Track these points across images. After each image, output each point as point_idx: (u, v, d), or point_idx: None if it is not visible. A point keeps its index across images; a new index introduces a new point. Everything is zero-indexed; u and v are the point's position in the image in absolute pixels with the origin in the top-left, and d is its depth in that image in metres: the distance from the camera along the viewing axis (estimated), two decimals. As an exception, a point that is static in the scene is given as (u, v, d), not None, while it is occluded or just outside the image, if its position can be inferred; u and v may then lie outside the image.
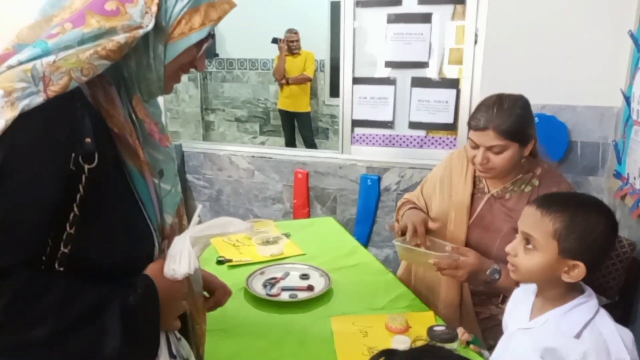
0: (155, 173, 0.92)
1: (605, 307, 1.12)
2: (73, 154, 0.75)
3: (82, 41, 0.75)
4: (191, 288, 1.02)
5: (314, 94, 5.66)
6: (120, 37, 0.78)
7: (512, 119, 1.44)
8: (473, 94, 2.64)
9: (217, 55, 5.98)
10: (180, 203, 1.05)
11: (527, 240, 1.10)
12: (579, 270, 1.04)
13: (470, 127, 1.52)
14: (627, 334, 1.05)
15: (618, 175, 2.14)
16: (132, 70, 0.86)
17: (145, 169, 0.88)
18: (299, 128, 5.51)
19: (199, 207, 0.99)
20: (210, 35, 0.91)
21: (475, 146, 1.50)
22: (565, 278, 1.06)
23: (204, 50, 0.94)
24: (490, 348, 1.48)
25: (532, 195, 1.54)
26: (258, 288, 1.57)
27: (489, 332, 1.60)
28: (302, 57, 5.18)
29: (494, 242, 1.57)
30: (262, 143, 6.07)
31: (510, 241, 1.54)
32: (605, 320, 1.06)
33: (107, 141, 0.82)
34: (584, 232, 1.04)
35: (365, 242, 2.91)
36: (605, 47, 2.30)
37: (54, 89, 0.72)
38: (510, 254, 1.13)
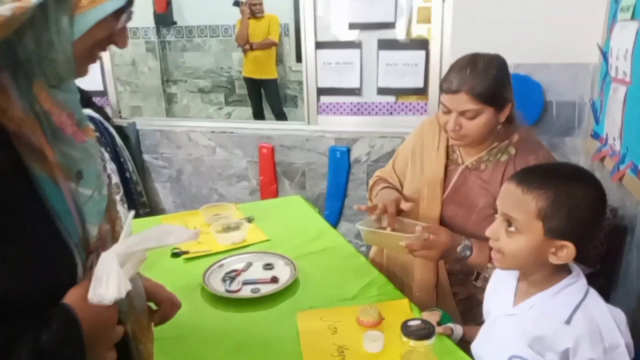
0: (71, 176, 0.75)
1: (587, 276, 1.04)
2: None
3: None
4: (132, 305, 0.88)
5: (279, 60, 5.43)
6: (5, 8, 0.60)
7: (487, 80, 1.32)
8: (443, 55, 2.49)
9: (175, 23, 5.67)
10: (112, 206, 0.89)
11: (509, 222, 0.98)
12: (568, 251, 0.94)
13: (442, 89, 1.39)
14: (619, 315, 0.97)
15: (596, 135, 2.04)
16: (30, 50, 0.68)
17: (57, 173, 0.71)
18: (266, 96, 5.30)
19: (130, 214, 0.83)
20: (131, 3, 0.74)
21: (448, 111, 1.38)
22: (554, 260, 0.96)
23: (125, 22, 0.77)
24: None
25: (508, 165, 1.43)
26: (216, 284, 1.43)
27: (468, 313, 1.50)
28: (266, 21, 4.94)
29: (470, 217, 1.46)
30: (229, 114, 5.85)
31: (487, 216, 1.44)
32: (596, 301, 0.97)
33: (1, 142, 0.65)
34: (570, 209, 0.93)
35: (337, 216, 2.79)
36: (580, 0, 2.16)
37: None
38: (492, 237, 1.01)
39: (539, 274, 1.01)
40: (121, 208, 2.70)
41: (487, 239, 1.06)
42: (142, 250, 0.76)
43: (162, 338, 1.17)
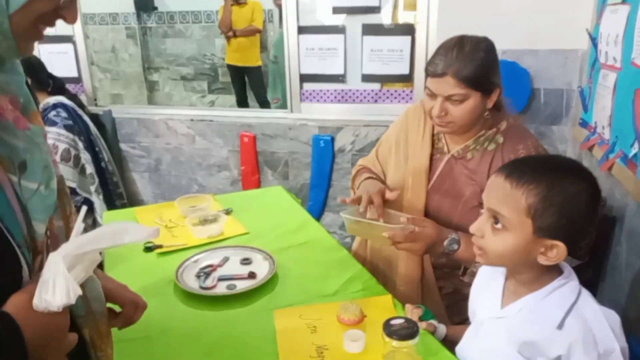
0: (12, 167, 0.68)
1: (576, 268, 0.98)
2: None
3: None
4: (89, 309, 0.80)
5: (263, 47, 5.31)
6: None
7: (473, 63, 1.26)
8: (429, 40, 2.42)
9: (156, 8, 5.51)
10: (65, 200, 0.81)
11: (495, 218, 0.92)
12: (558, 251, 0.88)
13: (428, 73, 1.33)
14: (613, 317, 0.91)
15: (584, 124, 1.99)
16: None
17: None
18: (250, 84, 5.20)
19: (83, 210, 0.75)
20: None
21: (433, 95, 1.32)
22: (543, 261, 0.89)
23: None
24: (457, 325, 1.33)
25: (496, 154, 1.37)
26: (190, 280, 1.35)
27: (454, 307, 1.45)
28: (249, 7, 4.84)
29: (456, 208, 1.40)
30: (212, 102, 5.74)
31: (474, 207, 1.38)
32: (589, 303, 0.91)
33: None
34: (562, 206, 0.86)
35: (322, 207, 2.72)
36: (569, -16, 2.10)
37: None
38: (476, 234, 0.95)
39: (527, 274, 0.94)
40: (97, 199, 2.60)
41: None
42: (94, 250, 0.69)
43: (129, 339, 1.10)
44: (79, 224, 0.72)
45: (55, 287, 0.64)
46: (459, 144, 1.42)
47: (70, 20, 0.70)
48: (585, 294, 0.92)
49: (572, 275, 0.94)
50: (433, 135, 1.47)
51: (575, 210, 0.87)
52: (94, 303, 0.82)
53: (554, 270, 0.94)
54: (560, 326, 0.87)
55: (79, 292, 0.65)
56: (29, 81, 2.51)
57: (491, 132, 1.38)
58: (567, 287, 0.92)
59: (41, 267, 0.68)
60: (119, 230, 0.70)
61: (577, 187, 0.88)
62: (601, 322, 0.88)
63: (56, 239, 0.75)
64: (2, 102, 0.68)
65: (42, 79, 2.50)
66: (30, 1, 0.63)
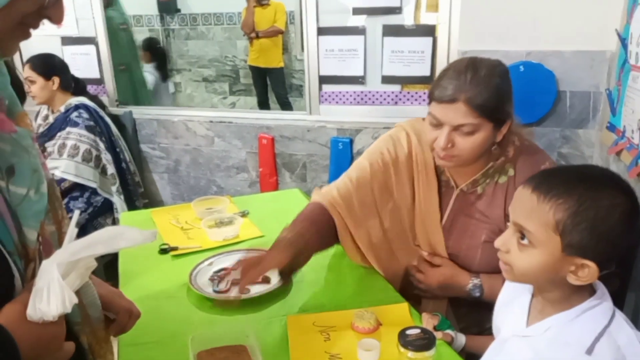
0: None
1: (603, 277, 0.92)
2: None
3: None
4: (86, 315, 0.79)
5: (285, 49, 5.32)
6: None
7: (490, 89, 1.14)
8: (451, 41, 2.36)
9: (178, 10, 5.58)
10: (57, 205, 0.78)
11: (522, 233, 0.86)
12: (589, 271, 0.82)
13: (433, 98, 1.19)
14: None
15: (612, 127, 1.92)
16: None
17: None
18: (272, 85, 5.21)
19: (76, 213, 0.73)
20: None
21: (438, 124, 1.19)
22: (573, 280, 0.83)
23: None
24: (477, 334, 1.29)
25: (509, 189, 1.26)
26: (204, 284, 1.34)
27: (471, 317, 1.40)
28: (272, 9, 4.84)
29: (475, 250, 1.31)
30: (233, 104, 5.77)
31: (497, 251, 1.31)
32: (623, 327, 0.84)
33: None
34: (595, 222, 0.80)
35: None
36: (597, -18, 2.03)
37: None
38: (501, 249, 0.90)
39: (555, 292, 0.89)
40: (118, 199, 2.63)
41: (498, 271, 0.95)
42: (89, 256, 0.66)
43: (140, 343, 1.10)
44: (72, 230, 0.69)
45: (50, 295, 0.61)
46: (465, 178, 1.30)
47: (56, 20, 0.67)
48: (620, 318, 0.86)
49: (605, 296, 0.88)
50: (435, 166, 1.33)
51: (609, 227, 0.80)
52: (91, 309, 0.79)
53: (586, 290, 0.88)
54: (590, 351, 0.81)
55: (75, 300, 0.63)
56: (58, 81, 2.52)
57: (500, 162, 1.26)
58: (600, 308, 0.86)
59: (34, 275, 0.66)
60: (115, 235, 0.68)
61: (612, 202, 0.81)
62: (636, 350, 0.82)
63: (49, 244, 0.73)
64: None
65: (66, 80, 2.54)
66: (13, 1, 0.60)
